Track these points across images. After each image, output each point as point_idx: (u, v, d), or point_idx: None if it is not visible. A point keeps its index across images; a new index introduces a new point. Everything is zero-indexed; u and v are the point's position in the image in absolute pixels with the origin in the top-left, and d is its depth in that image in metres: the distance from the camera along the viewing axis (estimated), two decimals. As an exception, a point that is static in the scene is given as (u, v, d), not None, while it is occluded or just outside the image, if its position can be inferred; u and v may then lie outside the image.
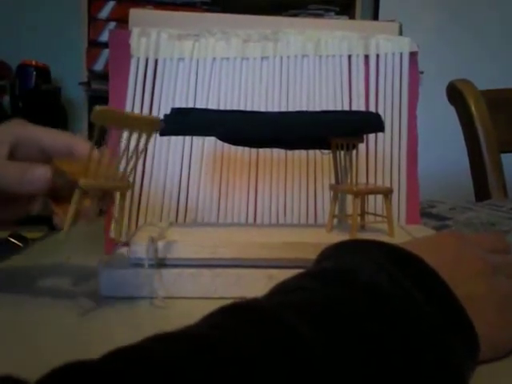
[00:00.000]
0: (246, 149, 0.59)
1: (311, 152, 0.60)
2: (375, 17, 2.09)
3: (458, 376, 0.26)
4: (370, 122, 0.51)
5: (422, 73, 0.65)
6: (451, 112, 1.06)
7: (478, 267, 0.33)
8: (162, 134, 0.51)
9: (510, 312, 0.33)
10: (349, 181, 0.52)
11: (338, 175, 0.53)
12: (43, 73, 1.88)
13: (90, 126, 1.91)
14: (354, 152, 0.51)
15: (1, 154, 0.41)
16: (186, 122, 0.50)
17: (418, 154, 0.61)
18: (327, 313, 0.24)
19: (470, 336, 0.28)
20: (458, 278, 0.31)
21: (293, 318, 0.23)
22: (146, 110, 0.60)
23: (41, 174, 0.40)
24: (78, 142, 0.43)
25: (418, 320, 0.26)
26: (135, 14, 0.63)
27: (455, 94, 1.03)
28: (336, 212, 0.53)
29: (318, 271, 0.30)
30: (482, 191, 0.98)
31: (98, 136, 0.35)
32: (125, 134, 0.38)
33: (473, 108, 0.99)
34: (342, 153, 0.52)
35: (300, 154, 0.60)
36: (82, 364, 0.19)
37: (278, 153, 0.60)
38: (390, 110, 0.62)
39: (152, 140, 0.59)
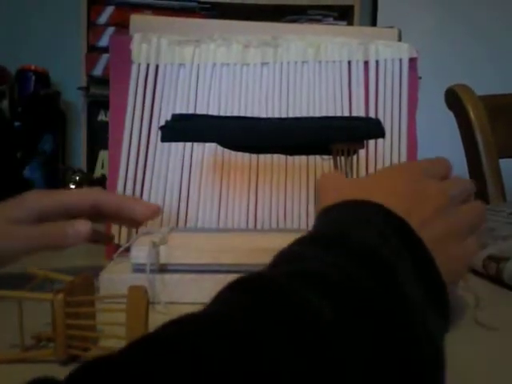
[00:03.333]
0: (247, 154, 0.59)
1: (311, 158, 0.60)
2: (373, 21, 2.10)
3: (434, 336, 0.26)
4: (371, 128, 0.52)
5: (419, 78, 0.65)
6: (450, 117, 1.06)
7: (439, 203, 0.34)
8: (163, 140, 0.51)
9: (469, 239, 0.36)
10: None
11: (338, 181, 0.53)
12: (42, 77, 1.88)
13: (89, 130, 1.91)
14: (355, 157, 0.52)
15: (30, 217, 0.44)
16: (186, 128, 0.51)
17: (418, 160, 0.62)
18: (333, 282, 0.24)
19: (439, 291, 0.29)
20: (421, 218, 0.32)
21: (301, 289, 0.23)
22: (146, 116, 0.60)
23: (81, 227, 0.44)
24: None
25: (413, 285, 0.27)
26: (136, 19, 0.63)
27: (453, 99, 1.03)
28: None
29: (319, 237, 0.30)
30: (480, 196, 0.98)
31: None
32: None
33: (471, 113, 1.00)
34: (343, 158, 0.52)
35: (300, 159, 0.60)
36: (104, 359, 0.19)
37: (278, 158, 0.60)
38: (390, 115, 0.62)
39: (153, 146, 0.60)
